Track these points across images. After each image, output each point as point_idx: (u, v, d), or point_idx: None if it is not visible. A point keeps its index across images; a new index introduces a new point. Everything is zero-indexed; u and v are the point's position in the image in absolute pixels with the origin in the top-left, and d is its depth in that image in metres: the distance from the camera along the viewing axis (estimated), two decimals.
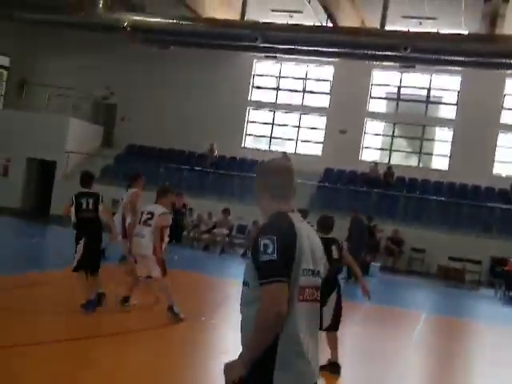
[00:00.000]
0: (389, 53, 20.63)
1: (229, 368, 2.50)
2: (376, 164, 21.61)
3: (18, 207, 21.63)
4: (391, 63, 22.56)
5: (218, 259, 16.58)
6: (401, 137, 24.06)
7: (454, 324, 10.51)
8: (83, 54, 24.43)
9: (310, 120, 24.35)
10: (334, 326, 6.07)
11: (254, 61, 24.62)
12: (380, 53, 20.73)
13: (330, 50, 21.56)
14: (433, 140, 23.61)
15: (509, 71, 21.18)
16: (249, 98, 24.67)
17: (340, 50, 21.23)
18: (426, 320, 10.22)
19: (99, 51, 24.30)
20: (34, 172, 22.40)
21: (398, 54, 20.02)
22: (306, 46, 22.12)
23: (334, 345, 6.10)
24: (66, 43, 24.55)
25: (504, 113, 21.86)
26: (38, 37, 24.71)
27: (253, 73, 24.72)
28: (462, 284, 16.05)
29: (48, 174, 21.76)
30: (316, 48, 22.04)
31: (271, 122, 24.68)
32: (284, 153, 22.69)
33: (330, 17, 19.55)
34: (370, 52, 20.85)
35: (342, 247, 6.13)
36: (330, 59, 23.07)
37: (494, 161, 21.68)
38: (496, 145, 21.70)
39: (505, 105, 21.86)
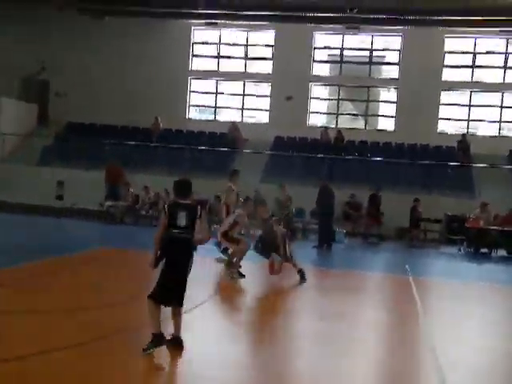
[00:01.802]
0: (333, 14, 20.56)
1: None
2: (326, 129, 21.55)
3: None
4: (332, 25, 22.45)
5: None
6: (346, 100, 24.07)
7: (449, 286, 10.59)
8: (10, 27, 22.76)
9: (254, 88, 23.91)
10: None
11: (192, 28, 23.77)
12: (325, 14, 20.58)
13: (271, 13, 21.25)
14: (378, 101, 23.78)
15: (448, 28, 21.55)
16: (189, 68, 23.90)
17: (283, 13, 20.93)
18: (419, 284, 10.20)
19: (28, 24, 22.73)
20: None
21: (343, 15, 19.95)
22: (247, 10, 21.68)
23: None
24: None
25: (445, 70, 22.23)
26: None
27: (192, 41, 23.89)
28: (422, 244, 16.33)
29: None
30: (256, 12, 21.66)
31: (214, 91, 24.05)
32: (233, 123, 22.30)
33: None
34: (313, 14, 20.66)
35: (200, 215, 5.64)
36: (270, 23, 22.69)
37: (438, 119, 22.11)
38: (439, 103, 22.10)
39: (445, 62, 22.22)
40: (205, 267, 9.62)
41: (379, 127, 23.05)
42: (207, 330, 6.49)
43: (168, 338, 5.43)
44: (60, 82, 23.21)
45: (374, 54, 23.19)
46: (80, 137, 20.98)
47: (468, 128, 22.11)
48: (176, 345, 5.46)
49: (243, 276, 9.30)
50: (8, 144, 20.56)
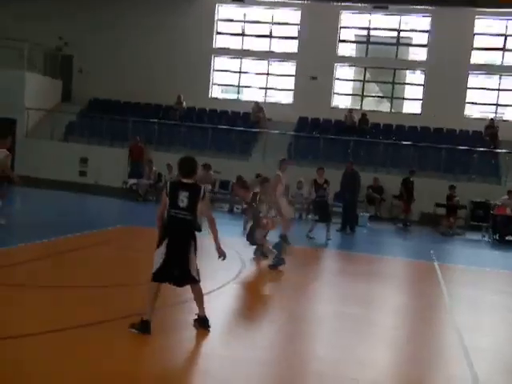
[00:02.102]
0: None
1: None
2: (351, 111, 21.28)
3: None
4: (360, 4, 22.05)
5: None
6: (372, 81, 23.70)
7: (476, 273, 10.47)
8: (34, 2, 22.72)
9: (278, 67, 23.64)
10: None
11: (217, 5, 23.50)
12: None
13: None
14: (404, 84, 23.39)
15: (478, 9, 21.05)
16: (213, 46, 23.66)
17: None
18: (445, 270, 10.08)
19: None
20: None
21: None
22: None
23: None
24: None
25: (474, 53, 21.74)
26: None
27: (216, 18, 23.62)
28: (448, 230, 16.12)
29: (7, 132, 20.39)
30: None
31: (238, 70, 23.82)
32: (256, 102, 22.10)
33: None
34: None
35: (203, 196, 5.32)
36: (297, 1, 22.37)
37: (465, 103, 21.69)
38: (467, 86, 21.66)
39: (475, 45, 21.72)
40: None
41: (405, 110, 22.69)
42: (230, 312, 6.47)
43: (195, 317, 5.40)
44: (83, 58, 23.14)
45: (402, 35, 22.75)
46: (104, 113, 20.96)
47: (496, 112, 21.69)
48: (201, 325, 5.40)
49: (266, 257, 9.25)
50: (32, 119, 20.61)
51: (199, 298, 5.44)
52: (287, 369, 4.82)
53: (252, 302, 7.30)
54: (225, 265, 8.57)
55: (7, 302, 5.84)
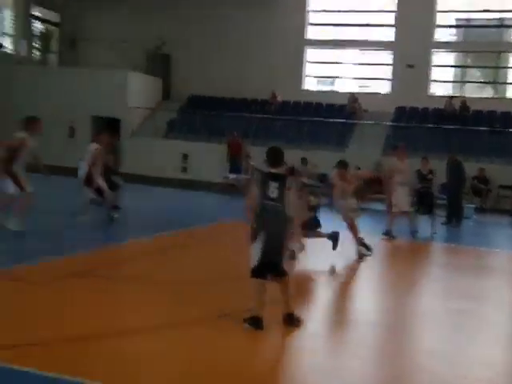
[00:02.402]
0: None
1: None
2: (451, 98, 20.55)
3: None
4: None
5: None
6: (473, 67, 22.74)
7: None
8: (133, 4, 23.63)
9: (373, 56, 23.19)
10: None
11: None
12: None
13: None
14: (509, 68, 22.25)
15: None
16: (305, 37, 23.57)
17: None
18: None
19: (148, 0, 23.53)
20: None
21: None
22: None
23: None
24: None
25: None
26: None
27: (307, 9, 23.49)
28: None
29: (112, 131, 21.39)
30: None
31: (332, 61, 23.61)
32: (351, 93, 21.85)
33: None
34: None
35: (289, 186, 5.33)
36: None
37: None
38: None
39: None
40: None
41: (509, 95, 21.60)
42: (333, 307, 6.48)
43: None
44: (182, 56, 23.77)
45: (505, 15, 21.63)
46: (202, 110, 21.50)
47: None
48: (290, 323, 5.31)
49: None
50: (136, 117, 21.49)
51: (287, 291, 5.34)
52: (395, 366, 4.78)
53: (353, 297, 7.29)
54: (324, 257, 8.70)
55: (113, 295, 6.17)
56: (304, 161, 17.43)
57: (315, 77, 23.96)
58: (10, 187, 8.57)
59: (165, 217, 12.12)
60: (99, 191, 10.33)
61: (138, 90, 21.91)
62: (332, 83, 23.78)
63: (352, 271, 8.65)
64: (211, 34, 23.16)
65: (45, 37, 25.16)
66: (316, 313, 6.07)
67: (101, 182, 10.36)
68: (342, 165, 9.37)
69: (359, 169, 17.02)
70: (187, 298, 6.14)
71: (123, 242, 9.32)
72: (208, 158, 19.83)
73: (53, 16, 25.03)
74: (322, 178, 17.94)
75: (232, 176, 18.36)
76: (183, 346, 4.83)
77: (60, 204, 11.68)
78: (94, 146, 10.59)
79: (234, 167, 18.66)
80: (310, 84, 23.81)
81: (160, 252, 8.56)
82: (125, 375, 4.18)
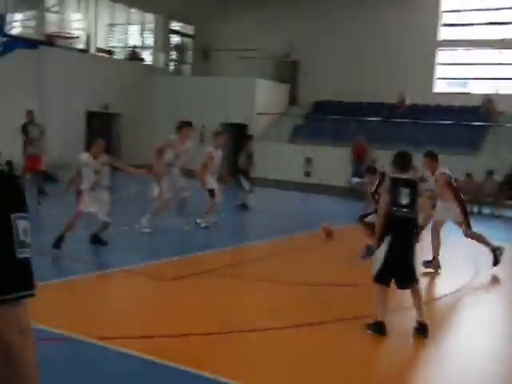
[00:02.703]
0: None
1: None
2: None
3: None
4: None
5: None
6: None
7: None
8: (261, 13, 24.31)
9: (509, 55, 21.77)
10: None
11: None
12: None
13: None
14: None
15: None
16: (437, 38, 22.74)
17: None
18: None
19: (277, 7, 24.02)
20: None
21: None
22: None
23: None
24: (244, 5, 24.65)
25: None
26: (216, 3, 25.12)
27: (440, 9, 22.66)
28: None
29: (240, 137, 22.09)
30: None
31: (465, 62, 22.53)
32: (486, 95, 20.69)
33: None
34: None
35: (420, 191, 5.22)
36: None
37: None
38: None
39: None
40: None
41: None
42: (467, 320, 6.14)
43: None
44: (309, 62, 24.01)
45: None
46: (327, 115, 21.51)
47: None
48: (421, 332, 5.13)
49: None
50: (262, 123, 22.00)
51: (419, 300, 5.22)
52: None
53: (485, 312, 6.85)
54: (456, 268, 8.31)
55: (240, 293, 6.32)
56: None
57: (446, 78, 23.00)
58: (155, 189, 9.27)
59: (287, 219, 12.29)
60: (211, 193, 10.33)
61: (265, 97, 22.43)
62: (464, 85, 22.67)
63: (484, 283, 8.14)
64: (339, 38, 23.15)
65: (180, 49, 26.69)
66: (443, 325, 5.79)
67: (212, 185, 10.35)
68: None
69: (492, 173, 16.10)
70: (310, 299, 6.26)
71: (247, 243, 9.57)
72: (332, 163, 19.77)
73: (188, 29, 26.45)
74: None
75: (355, 180, 18.14)
76: (308, 346, 4.92)
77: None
78: (209, 149, 10.73)
79: (358, 171, 18.41)
80: (440, 86, 22.91)
81: (283, 253, 8.69)
82: (258, 372, 4.28)
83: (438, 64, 22.83)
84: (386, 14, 22.54)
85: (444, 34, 22.69)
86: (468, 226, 8.21)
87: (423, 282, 6.80)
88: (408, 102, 21.66)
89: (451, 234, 8.63)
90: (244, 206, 13.31)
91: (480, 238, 8.44)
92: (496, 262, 8.22)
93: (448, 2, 22.64)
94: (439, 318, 6.10)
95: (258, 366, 4.39)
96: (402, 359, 4.91)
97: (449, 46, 22.63)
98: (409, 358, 4.97)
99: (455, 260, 8.98)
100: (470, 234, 8.36)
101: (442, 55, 22.85)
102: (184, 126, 9.44)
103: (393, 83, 21.67)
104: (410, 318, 5.70)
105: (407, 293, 5.37)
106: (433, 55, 22.61)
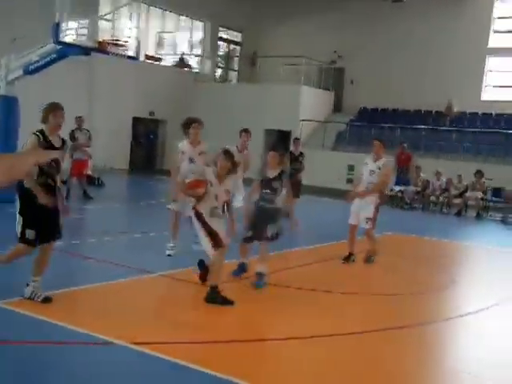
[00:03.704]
0: None
1: None
2: None
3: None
4: None
5: (475, 225, 15.34)
6: None
7: None
8: (308, 20, 24.40)
9: None
10: None
11: (494, 2, 22.09)
12: None
13: None
14: None
15: None
16: (488, 45, 22.28)
17: None
18: None
19: (324, 15, 24.08)
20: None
21: None
22: None
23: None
24: (291, 12, 24.81)
25: None
26: (264, 10, 25.38)
27: (492, 16, 22.20)
28: None
29: (283, 143, 22.21)
30: None
31: None
32: None
33: None
34: None
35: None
36: None
37: None
38: None
39: None
40: None
41: None
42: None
43: None
44: (354, 69, 23.94)
45: None
46: (372, 122, 21.37)
47: None
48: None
49: None
50: (306, 129, 22.03)
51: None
52: None
53: None
54: (501, 279, 8.18)
55: (286, 302, 6.39)
56: (479, 173, 16.58)
57: (496, 86, 22.49)
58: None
59: (327, 228, 12.28)
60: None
61: (310, 104, 22.47)
62: None
63: None
64: (385, 46, 23.01)
65: (227, 56, 27.04)
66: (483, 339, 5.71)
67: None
68: None
69: None
70: (364, 309, 6.35)
71: (289, 250, 9.60)
72: None
73: (236, 36, 26.78)
74: (496, 192, 16.85)
75: (398, 188, 17.96)
76: (333, 355, 4.95)
77: None
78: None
79: (402, 179, 18.22)
80: (489, 94, 22.42)
81: (321, 261, 8.69)
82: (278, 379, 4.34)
83: (488, 71, 22.36)
84: (434, 20, 22.26)
85: (494, 40, 22.21)
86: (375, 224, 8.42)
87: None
88: (456, 109, 21.28)
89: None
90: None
91: (374, 241, 8.59)
92: (366, 261, 8.57)
93: (500, 8, 22.16)
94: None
95: (280, 372, 4.46)
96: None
97: (500, 54, 22.12)
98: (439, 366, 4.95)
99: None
100: (372, 233, 8.52)
101: (492, 62, 22.37)
102: (192, 122, 7.77)
103: (441, 91, 21.35)
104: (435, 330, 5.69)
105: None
106: (483, 62, 22.16)
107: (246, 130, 9.90)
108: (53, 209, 5.27)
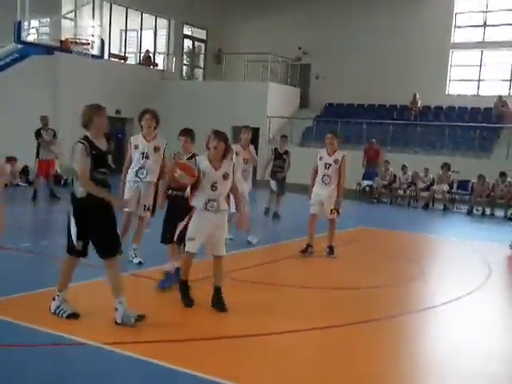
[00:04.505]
0: None
1: None
2: None
3: None
4: None
5: (442, 218, 15.60)
6: None
7: None
8: (273, 17, 24.45)
9: None
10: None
11: None
12: None
13: None
14: None
15: None
16: (451, 40, 22.68)
17: None
18: None
19: (288, 11, 24.16)
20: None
21: None
22: None
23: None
24: (255, 9, 24.82)
25: None
26: (229, 7, 25.32)
27: (454, 11, 22.60)
28: None
29: (252, 140, 22.20)
30: None
31: (478, 63, 22.44)
32: (500, 97, 20.61)
33: None
34: None
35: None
36: None
37: None
38: None
39: None
40: None
41: None
42: (476, 323, 6.16)
43: None
44: (320, 66, 24.08)
45: None
46: (338, 117, 21.54)
47: None
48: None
49: None
50: (274, 126, 22.08)
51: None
52: None
53: (502, 312, 6.85)
54: (469, 271, 8.34)
55: (254, 297, 6.38)
56: (445, 166, 16.87)
57: (459, 80, 22.91)
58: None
59: (296, 223, 12.30)
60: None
61: (277, 100, 22.51)
62: (478, 87, 22.55)
63: (497, 285, 8.14)
64: (349, 41, 23.17)
65: (192, 53, 26.90)
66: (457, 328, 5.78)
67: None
68: None
69: (505, 175, 16.01)
70: (331, 303, 6.36)
71: (266, 245, 9.57)
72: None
73: (201, 33, 26.64)
74: (462, 184, 17.16)
75: (366, 182, 18.16)
76: (322, 349, 4.98)
77: None
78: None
79: (370, 173, 18.44)
80: (453, 88, 22.84)
81: (294, 257, 8.66)
82: (264, 375, 4.30)
83: (452, 66, 22.77)
84: (398, 15, 22.53)
85: (457, 35, 22.61)
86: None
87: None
88: (420, 104, 21.63)
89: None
90: (275, 215, 12.61)
91: (334, 230, 8.71)
92: (331, 253, 8.63)
93: (461, 3, 22.57)
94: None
95: (266, 368, 4.45)
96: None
97: (462, 48, 22.54)
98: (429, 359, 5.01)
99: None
100: (335, 223, 8.65)
101: (456, 56, 22.78)
102: (144, 113, 7.31)
103: (405, 86, 21.66)
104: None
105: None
106: (446, 57, 22.55)
107: (246, 127, 9.75)
108: (109, 219, 5.07)
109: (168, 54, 25.37)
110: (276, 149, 12.99)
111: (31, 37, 17.54)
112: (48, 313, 5.17)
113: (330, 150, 8.56)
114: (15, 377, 4.02)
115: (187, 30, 26.16)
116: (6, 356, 4.35)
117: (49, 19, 20.30)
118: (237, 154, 9.16)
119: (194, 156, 6.02)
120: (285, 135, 13.95)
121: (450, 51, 22.61)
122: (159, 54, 25.37)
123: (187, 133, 6.33)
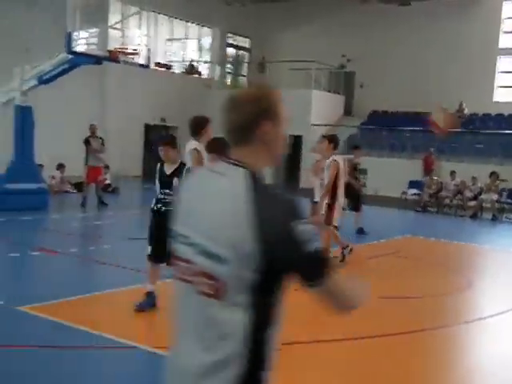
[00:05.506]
0: None
1: None
2: None
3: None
4: None
5: (491, 228, 15.23)
6: None
7: None
8: (316, 25, 24.44)
9: None
10: None
11: (504, 3, 22.02)
12: None
13: None
14: None
15: None
16: (498, 46, 22.20)
17: None
18: None
19: (332, 19, 24.11)
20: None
21: None
22: None
23: None
24: (298, 17, 24.84)
25: None
26: (272, 15, 25.44)
27: (502, 16, 22.14)
28: None
29: (295, 148, 22.20)
30: None
31: None
32: None
33: None
34: None
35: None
36: None
37: None
38: None
39: None
40: None
41: None
42: None
43: None
44: (364, 73, 23.91)
45: None
46: (382, 125, 21.33)
47: None
48: None
49: None
50: (316, 134, 21.96)
51: None
52: None
53: None
54: None
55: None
56: (494, 174, 16.48)
57: (507, 87, 22.37)
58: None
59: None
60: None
61: (320, 108, 22.45)
62: None
63: None
64: (394, 49, 22.95)
65: (236, 62, 27.15)
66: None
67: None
68: None
69: None
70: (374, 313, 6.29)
71: None
72: (388, 174, 19.54)
73: (244, 42, 26.87)
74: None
75: (412, 191, 17.92)
76: (354, 357, 4.94)
77: None
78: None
79: (415, 182, 18.19)
80: (501, 95, 22.32)
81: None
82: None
83: (501, 72, 22.30)
84: (444, 22, 22.18)
85: (505, 41, 22.14)
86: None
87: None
88: (467, 111, 21.22)
89: None
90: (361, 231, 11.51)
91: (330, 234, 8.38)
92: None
93: (509, 8, 22.10)
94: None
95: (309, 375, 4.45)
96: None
97: (510, 54, 22.04)
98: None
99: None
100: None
101: (503, 63, 22.30)
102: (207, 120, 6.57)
103: (451, 93, 21.28)
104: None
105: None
106: (493, 63, 22.09)
107: (325, 136, 9.68)
108: None
109: (212, 63, 25.66)
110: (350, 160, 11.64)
111: (81, 47, 18.06)
112: (100, 315, 5.29)
113: (325, 153, 8.52)
114: (65, 377, 4.12)
115: (231, 39, 26.43)
116: (59, 356, 4.47)
117: (97, 30, 20.89)
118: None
119: (182, 164, 5.58)
120: (357, 146, 12.87)
121: (497, 57, 22.13)
122: (203, 63, 25.69)
123: (167, 142, 5.68)
